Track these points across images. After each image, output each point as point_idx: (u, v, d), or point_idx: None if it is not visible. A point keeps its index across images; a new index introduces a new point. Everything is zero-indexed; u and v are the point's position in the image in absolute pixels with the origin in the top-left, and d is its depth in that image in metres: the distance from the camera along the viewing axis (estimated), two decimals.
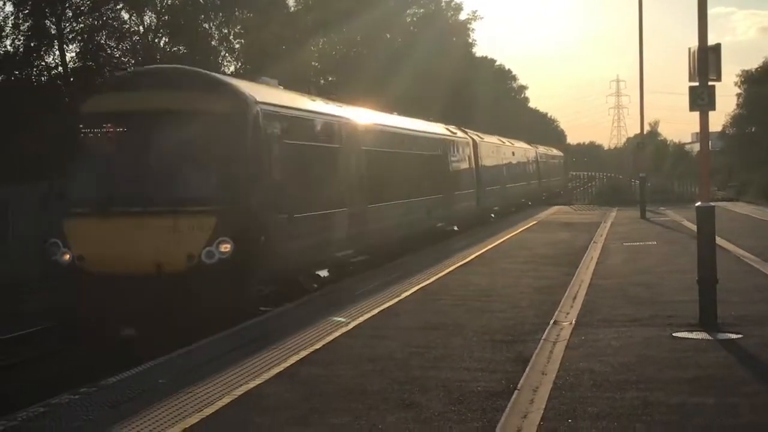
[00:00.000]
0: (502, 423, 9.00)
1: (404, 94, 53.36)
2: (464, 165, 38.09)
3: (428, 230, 30.72)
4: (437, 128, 35.54)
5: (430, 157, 31.75)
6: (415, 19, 73.65)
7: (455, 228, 34.64)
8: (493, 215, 43.80)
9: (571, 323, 14.36)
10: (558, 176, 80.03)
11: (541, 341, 13.00)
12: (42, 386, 10.92)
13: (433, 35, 67.71)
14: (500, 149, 49.00)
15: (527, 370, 11.22)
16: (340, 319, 15.07)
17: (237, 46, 56.40)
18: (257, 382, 10.88)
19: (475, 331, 13.84)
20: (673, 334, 13.17)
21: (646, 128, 64.71)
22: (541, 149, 69.47)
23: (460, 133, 38.68)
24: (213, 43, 53.61)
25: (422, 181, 29.93)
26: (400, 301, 17.23)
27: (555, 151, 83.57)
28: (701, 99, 13.58)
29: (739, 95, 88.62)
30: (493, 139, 48.49)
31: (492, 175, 44.12)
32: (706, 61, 13.53)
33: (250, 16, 54.37)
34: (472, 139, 40.38)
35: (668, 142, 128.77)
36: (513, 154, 53.57)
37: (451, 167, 35.28)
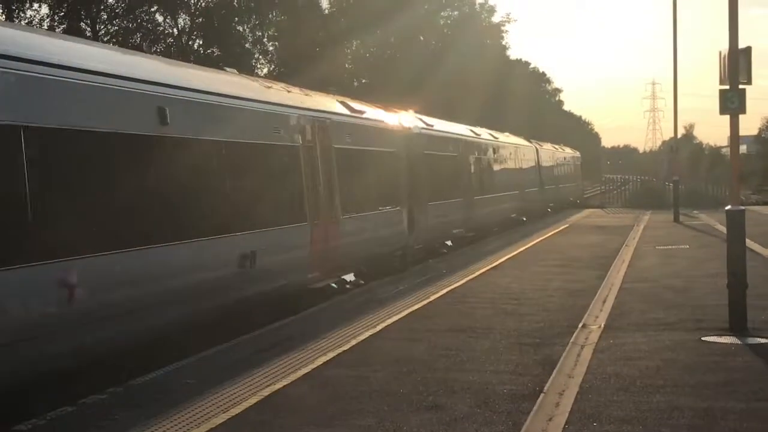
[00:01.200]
0: (526, 426, 9.00)
1: (439, 97, 53.36)
2: None
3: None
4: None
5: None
6: (449, 21, 73.63)
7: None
8: (524, 218, 43.77)
9: (600, 327, 14.31)
10: (571, 182, 66.01)
11: (569, 344, 12.96)
12: (69, 386, 10.99)
13: (467, 38, 67.61)
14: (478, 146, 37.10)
15: (554, 373, 11.20)
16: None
17: (271, 48, 56.69)
18: (284, 383, 10.93)
19: (503, 334, 13.83)
20: (702, 338, 13.10)
21: (682, 131, 64.37)
22: (546, 147, 56.81)
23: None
24: (247, 45, 53.86)
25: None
26: (429, 303, 17.25)
27: (567, 150, 69.09)
28: (731, 102, 13.50)
29: None
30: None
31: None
32: (736, 64, 13.44)
33: (284, 19, 54.57)
34: None
35: (704, 146, 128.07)
36: (494, 152, 39.61)
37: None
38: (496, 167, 38.95)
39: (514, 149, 44.20)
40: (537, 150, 50.28)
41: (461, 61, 63.45)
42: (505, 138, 43.72)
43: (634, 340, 13.11)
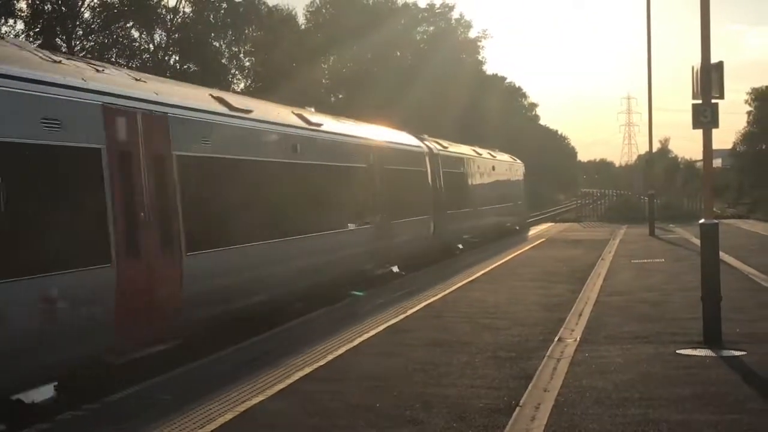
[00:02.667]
0: None
1: (415, 112, 53.50)
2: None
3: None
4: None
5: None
6: (425, 36, 73.90)
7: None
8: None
9: (575, 340, 14.37)
10: (508, 202, 45.58)
11: (545, 358, 13.01)
12: (45, 401, 10.96)
13: (443, 53, 67.85)
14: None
15: (530, 387, 11.24)
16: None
17: (247, 64, 56.69)
18: (260, 398, 10.93)
19: (480, 348, 13.86)
20: (677, 352, 13.17)
21: (657, 145, 64.78)
22: (451, 149, 35.71)
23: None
24: (223, 61, 53.86)
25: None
26: (406, 317, 17.27)
27: (503, 157, 48.20)
28: (704, 116, 13.62)
29: (749, 113, 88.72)
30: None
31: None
32: (709, 78, 13.57)
33: (260, 35, 54.60)
34: None
35: (679, 159, 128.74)
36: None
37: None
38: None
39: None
40: (429, 154, 31.55)
41: (437, 76, 63.69)
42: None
43: (609, 354, 13.17)
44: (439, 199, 31.23)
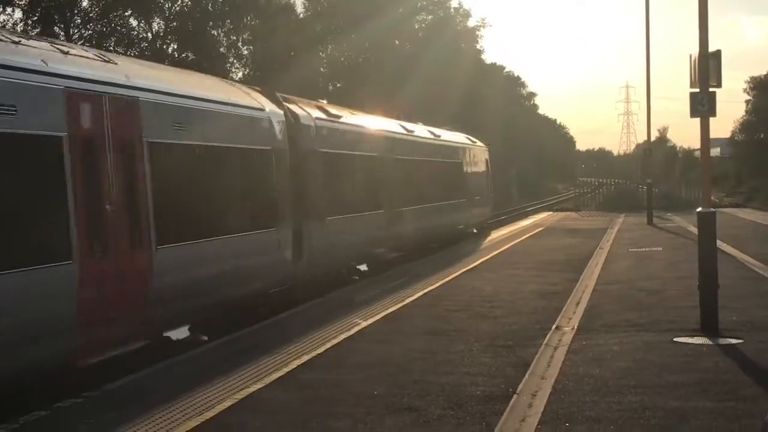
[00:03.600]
0: (499, 426, 9.07)
1: (413, 101, 53.47)
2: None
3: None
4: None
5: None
6: (423, 25, 73.70)
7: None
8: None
9: (573, 328, 14.41)
10: (459, 198, 35.35)
11: (542, 346, 13.06)
12: (45, 390, 10.99)
13: (442, 42, 67.69)
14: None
15: (527, 374, 11.28)
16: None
17: (245, 52, 56.60)
18: (258, 386, 10.96)
19: (477, 337, 13.90)
20: (674, 339, 13.22)
21: (656, 134, 64.83)
22: (344, 120, 24.33)
23: None
24: (221, 50, 53.77)
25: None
26: (404, 306, 17.31)
27: (456, 137, 38.17)
28: (702, 105, 13.64)
29: (747, 102, 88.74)
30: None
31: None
32: (706, 67, 13.59)
33: (258, 23, 54.49)
34: None
35: (678, 148, 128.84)
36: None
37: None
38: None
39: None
40: (287, 123, 19.92)
41: (436, 65, 63.58)
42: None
43: (606, 342, 13.21)
44: (308, 198, 19.93)
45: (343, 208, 22.22)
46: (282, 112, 19.05)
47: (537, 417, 9.31)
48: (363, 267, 23.55)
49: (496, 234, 37.24)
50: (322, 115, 22.10)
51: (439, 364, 12.02)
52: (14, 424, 9.70)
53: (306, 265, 19.53)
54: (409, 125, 31.25)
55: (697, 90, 13.73)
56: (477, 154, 40.10)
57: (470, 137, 40.48)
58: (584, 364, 11.78)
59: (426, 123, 34.35)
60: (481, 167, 40.70)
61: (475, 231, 38.40)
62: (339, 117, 23.26)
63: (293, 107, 20.18)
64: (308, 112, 21.10)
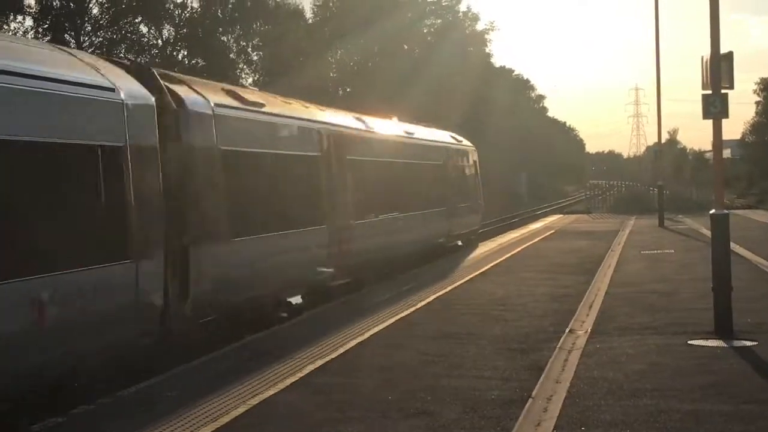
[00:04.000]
0: (515, 431, 9.04)
1: (421, 105, 53.48)
2: None
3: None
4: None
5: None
6: (432, 29, 73.80)
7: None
8: None
9: (586, 332, 14.37)
10: (436, 206, 29.59)
11: (556, 350, 13.02)
12: (59, 396, 10.99)
13: (450, 46, 67.77)
14: None
15: (541, 378, 11.25)
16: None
17: (255, 58, 56.71)
18: (272, 391, 10.94)
19: (490, 340, 13.87)
20: (688, 342, 13.17)
21: (665, 136, 64.72)
22: (268, 110, 18.07)
23: None
24: (231, 55, 53.89)
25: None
26: (416, 310, 17.29)
27: (435, 135, 32.60)
28: (714, 107, 13.60)
29: (758, 103, 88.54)
30: None
31: None
32: (718, 69, 13.55)
33: (268, 29, 54.61)
34: None
35: (688, 150, 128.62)
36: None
37: None
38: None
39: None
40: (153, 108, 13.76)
41: (444, 69, 63.62)
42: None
43: (621, 345, 13.17)
44: (198, 213, 14.58)
45: (261, 225, 16.65)
46: (148, 94, 13.37)
47: (553, 421, 9.27)
48: (296, 299, 17.86)
49: (488, 246, 32.62)
50: (230, 102, 16.43)
51: (452, 368, 12.00)
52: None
53: (195, 307, 14.17)
54: (371, 119, 25.40)
55: (710, 92, 13.68)
56: (462, 155, 34.83)
57: (455, 135, 35.24)
58: (599, 367, 11.74)
59: (437, 127, 33.68)
60: (468, 170, 35.46)
61: (459, 244, 32.47)
62: (258, 105, 17.47)
63: (180, 89, 14.72)
64: (205, 97, 15.38)
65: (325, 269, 19.62)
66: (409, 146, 27.86)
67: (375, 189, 23.38)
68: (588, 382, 10.94)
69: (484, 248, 31.70)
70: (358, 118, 24.29)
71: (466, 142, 36.01)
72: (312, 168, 19.63)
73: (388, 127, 27.09)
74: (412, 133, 28.76)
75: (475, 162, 36.24)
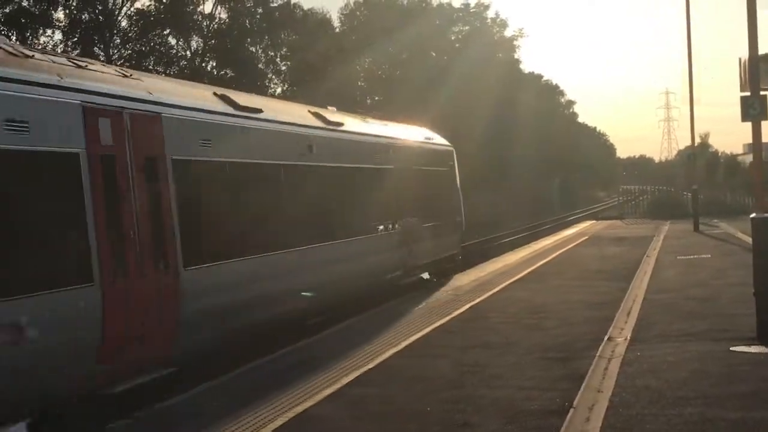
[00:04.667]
0: None
1: (450, 112, 53.35)
2: None
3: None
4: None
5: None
6: (460, 36, 73.70)
7: None
8: None
9: (625, 339, 14.15)
10: (396, 225, 22.31)
11: (596, 358, 12.81)
12: (97, 411, 10.93)
13: (478, 52, 67.60)
14: None
15: (582, 387, 11.05)
16: None
17: (283, 68, 56.79)
18: (309, 403, 10.82)
19: (528, 349, 13.68)
20: (731, 348, 12.92)
21: (697, 140, 64.15)
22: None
23: None
24: (260, 66, 54.01)
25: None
26: (452, 319, 17.12)
27: (404, 132, 25.54)
28: (753, 109, 13.39)
29: None
30: None
31: None
32: (757, 70, 13.34)
33: (296, 38, 54.69)
34: None
35: (720, 154, 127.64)
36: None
37: None
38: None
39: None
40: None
41: (472, 76, 63.46)
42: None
43: (661, 352, 12.94)
44: None
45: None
46: None
47: (596, 431, 9.09)
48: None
49: (520, 254, 31.67)
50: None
51: (491, 378, 11.83)
52: None
53: None
54: (239, 95, 16.71)
55: (748, 93, 13.47)
56: (435, 157, 26.85)
57: (429, 133, 27.81)
58: (640, 375, 11.53)
59: (458, 133, 31.97)
60: (443, 178, 27.19)
61: (427, 277, 25.42)
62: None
63: None
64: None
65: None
66: (343, 145, 19.83)
67: (275, 206, 16.26)
68: (630, 390, 10.74)
69: (498, 263, 31.34)
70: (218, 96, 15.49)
71: (440, 139, 28.27)
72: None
73: (315, 120, 19.11)
74: (357, 131, 21.18)
75: (452, 166, 28.24)
